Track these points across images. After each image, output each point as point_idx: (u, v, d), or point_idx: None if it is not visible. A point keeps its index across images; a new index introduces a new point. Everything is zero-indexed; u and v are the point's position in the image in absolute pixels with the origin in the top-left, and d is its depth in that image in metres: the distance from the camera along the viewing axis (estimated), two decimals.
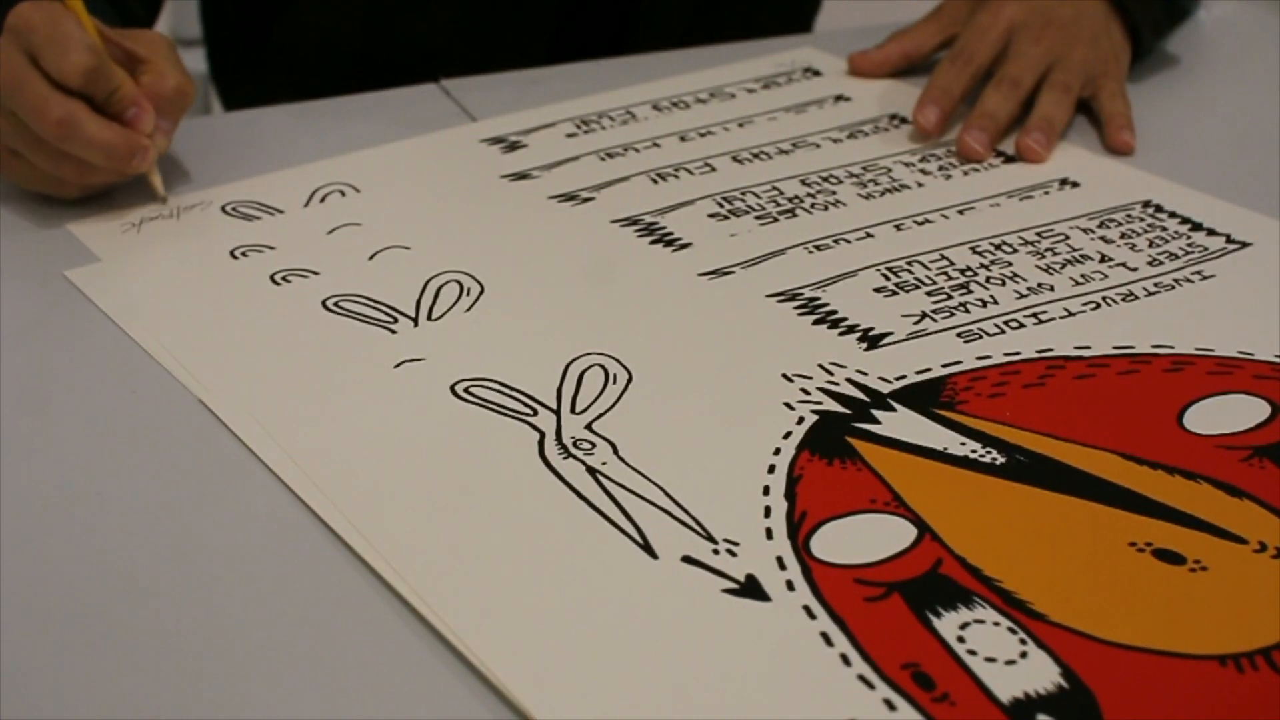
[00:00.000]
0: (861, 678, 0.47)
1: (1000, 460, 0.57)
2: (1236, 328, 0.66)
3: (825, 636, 0.49)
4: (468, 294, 0.69)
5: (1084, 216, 0.77)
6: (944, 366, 0.63)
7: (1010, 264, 0.72)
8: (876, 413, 0.60)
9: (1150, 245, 0.74)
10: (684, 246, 0.74)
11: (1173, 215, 0.77)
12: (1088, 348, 0.65)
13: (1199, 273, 0.71)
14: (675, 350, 0.65)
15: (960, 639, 0.48)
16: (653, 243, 0.74)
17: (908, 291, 0.70)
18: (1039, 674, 0.47)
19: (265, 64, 1.08)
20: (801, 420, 0.60)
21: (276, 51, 1.09)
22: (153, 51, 0.76)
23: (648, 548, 0.53)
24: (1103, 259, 0.72)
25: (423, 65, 0.96)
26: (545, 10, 1.04)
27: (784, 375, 0.63)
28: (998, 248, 0.74)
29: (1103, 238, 0.75)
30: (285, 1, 1.08)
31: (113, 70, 0.72)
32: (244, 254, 0.73)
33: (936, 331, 0.66)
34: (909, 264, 0.72)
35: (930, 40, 0.94)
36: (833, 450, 0.58)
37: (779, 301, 0.69)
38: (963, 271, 0.71)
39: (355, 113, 0.91)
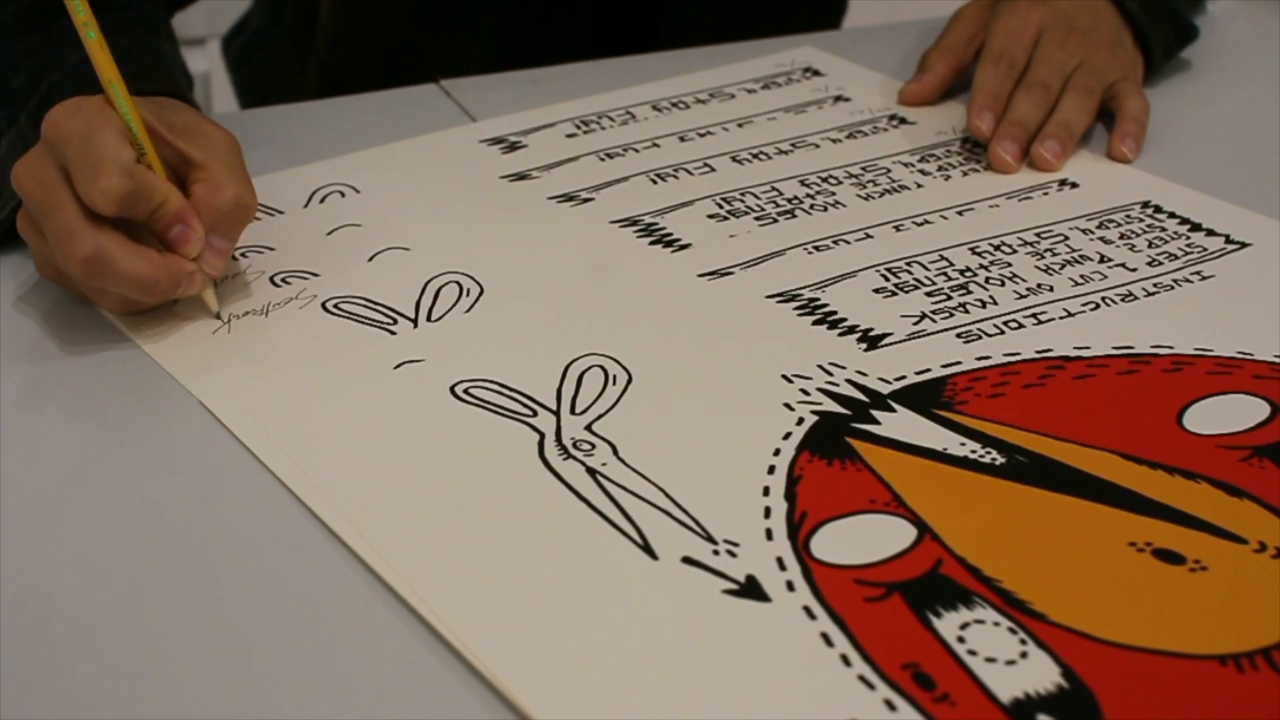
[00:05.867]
0: (862, 678, 0.47)
1: (1000, 460, 0.57)
2: (1236, 328, 0.66)
3: (825, 637, 0.49)
4: (467, 295, 0.69)
5: (1083, 217, 0.77)
6: (944, 367, 0.63)
7: (1009, 265, 0.72)
8: (876, 413, 0.60)
9: (1149, 246, 0.74)
10: (684, 247, 0.74)
11: (1172, 216, 0.77)
12: (1087, 348, 0.65)
13: (1198, 273, 0.71)
14: (675, 351, 0.65)
15: (960, 639, 0.48)
16: (652, 243, 0.74)
17: (907, 292, 0.70)
18: (1039, 674, 0.47)
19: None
20: (801, 421, 0.60)
21: (298, 93, 1.09)
22: (210, 155, 0.66)
23: (648, 548, 0.53)
24: (1102, 259, 0.72)
25: None
26: (575, 56, 1.03)
27: (784, 376, 0.63)
28: (997, 248, 0.74)
29: (1102, 238, 0.75)
30: (306, 44, 1.07)
31: (153, 187, 0.63)
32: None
33: (936, 332, 0.66)
34: (908, 264, 0.72)
35: (970, 50, 0.92)
36: (833, 451, 0.58)
37: (779, 302, 0.69)
38: (962, 272, 0.71)
39: (355, 113, 0.91)
